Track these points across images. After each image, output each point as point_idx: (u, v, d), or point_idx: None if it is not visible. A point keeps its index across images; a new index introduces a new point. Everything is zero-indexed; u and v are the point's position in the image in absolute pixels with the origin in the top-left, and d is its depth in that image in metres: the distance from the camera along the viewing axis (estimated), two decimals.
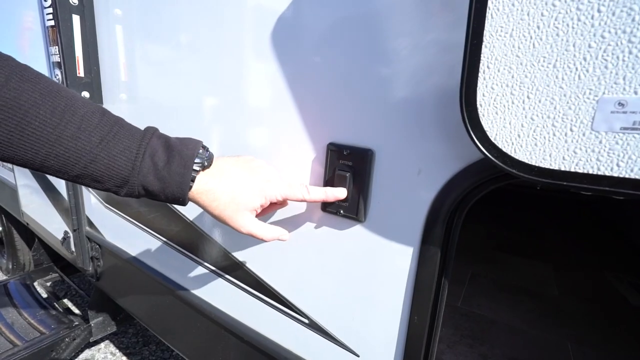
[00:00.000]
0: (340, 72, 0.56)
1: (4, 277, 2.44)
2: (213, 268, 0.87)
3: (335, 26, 0.55)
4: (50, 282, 2.08)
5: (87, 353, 1.95)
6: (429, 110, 0.48)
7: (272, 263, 0.74)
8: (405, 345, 0.56)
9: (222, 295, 0.86)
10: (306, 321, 0.69)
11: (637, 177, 0.33)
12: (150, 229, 1.04)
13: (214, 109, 0.79)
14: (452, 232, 0.50)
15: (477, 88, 0.39)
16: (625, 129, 0.33)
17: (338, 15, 0.55)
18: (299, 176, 0.64)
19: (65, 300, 1.95)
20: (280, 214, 0.69)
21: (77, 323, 1.46)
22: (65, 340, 1.40)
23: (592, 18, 0.32)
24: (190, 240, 0.92)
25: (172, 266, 1.00)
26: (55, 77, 1.01)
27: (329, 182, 0.59)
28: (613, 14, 0.31)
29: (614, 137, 0.33)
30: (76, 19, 0.99)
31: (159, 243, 1.02)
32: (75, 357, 1.84)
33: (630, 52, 0.31)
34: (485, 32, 0.37)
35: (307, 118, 0.61)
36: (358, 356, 0.63)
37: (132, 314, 1.24)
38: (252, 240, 0.77)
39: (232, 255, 0.81)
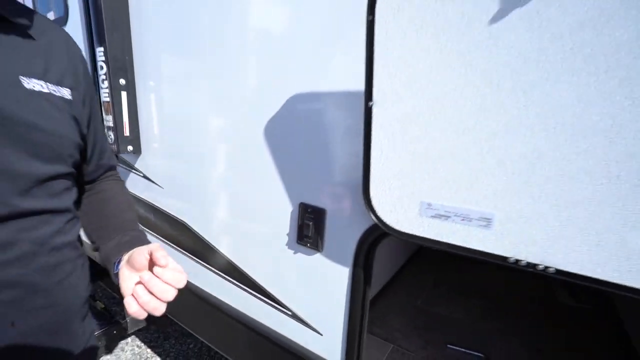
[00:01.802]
0: (307, 162, 0.92)
1: None
2: (225, 275, 1.23)
3: (298, 128, 0.91)
4: None
5: (117, 346, 2.32)
6: (354, 190, 0.84)
7: (268, 272, 1.10)
8: (348, 324, 0.92)
9: (232, 295, 1.22)
10: (290, 313, 1.05)
11: (441, 240, 0.68)
12: (176, 245, 1.40)
13: (224, 165, 1.15)
14: (369, 259, 0.85)
15: (370, 186, 0.74)
16: (432, 217, 0.68)
17: (299, 120, 0.91)
18: (284, 220, 1.00)
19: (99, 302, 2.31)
20: (272, 246, 1.05)
21: (117, 318, 1.83)
22: (107, 332, 1.77)
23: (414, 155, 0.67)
24: (208, 255, 1.28)
25: (195, 273, 1.36)
26: (109, 136, 1.38)
27: (301, 226, 0.94)
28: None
29: (428, 220, 0.68)
30: (124, 95, 1.36)
31: (183, 256, 1.38)
32: (113, 348, 2.21)
33: (429, 175, 0.66)
34: (371, 158, 0.72)
35: (288, 186, 0.97)
36: (322, 335, 0.99)
37: (167, 313, 1.60)
38: (256, 255, 1.13)
39: (239, 267, 1.17)
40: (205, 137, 1.20)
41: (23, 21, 0.54)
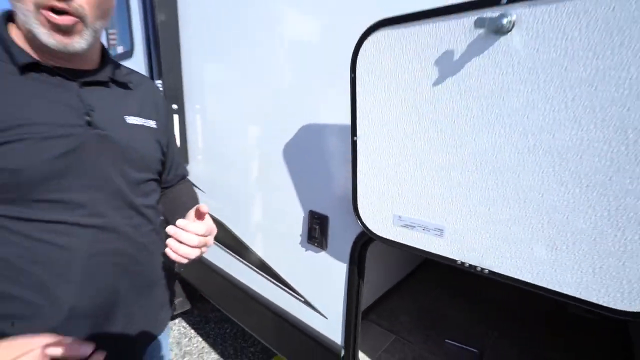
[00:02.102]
0: (315, 177, 1.14)
1: None
2: (257, 269, 1.49)
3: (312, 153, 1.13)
4: None
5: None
6: (349, 202, 1.04)
7: (286, 265, 1.34)
8: (346, 309, 1.13)
9: (262, 285, 1.48)
10: (303, 299, 1.28)
11: (409, 244, 0.86)
12: (220, 243, 1.69)
13: (256, 175, 1.40)
14: (362, 257, 1.06)
15: (357, 201, 0.94)
16: (402, 226, 0.87)
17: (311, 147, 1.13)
18: (297, 223, 1.23)
19: None
20: (288, 244, 1.28)
21: None
22: None
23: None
24: (239, 248, 1.54)
25: (232, 267, 1.64)
26: None
27: (310, 228, 1.17)
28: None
29: (399, 228, 0.87)
30: (176, 117, 1.67)
31: (225, 253, 1.66)
32: None
33: (399, 194, 0.85)
34: (357, 179, 0.93)
35: (300, 196, 1.20)
36: (327, 318, 1.20)
37: (208, 297, 1.91)
38: (276, 250, 1.37)
39: (267, 263, 1.42)
40: (238, 153, 1.46)
41: (125, 79, 0.82)
